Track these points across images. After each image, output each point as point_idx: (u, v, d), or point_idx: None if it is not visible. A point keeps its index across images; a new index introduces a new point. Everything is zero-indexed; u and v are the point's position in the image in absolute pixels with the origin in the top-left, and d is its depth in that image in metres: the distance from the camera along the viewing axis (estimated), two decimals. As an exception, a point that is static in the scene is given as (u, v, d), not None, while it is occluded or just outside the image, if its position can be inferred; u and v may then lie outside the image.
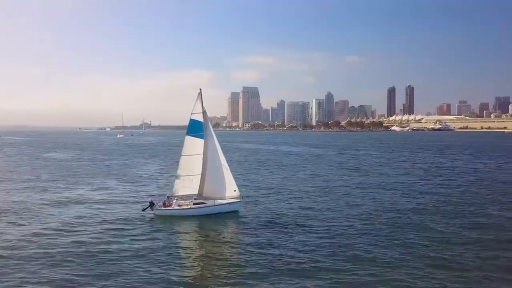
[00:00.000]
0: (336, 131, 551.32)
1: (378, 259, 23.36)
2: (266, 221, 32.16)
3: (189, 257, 24.46)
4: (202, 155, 34.15)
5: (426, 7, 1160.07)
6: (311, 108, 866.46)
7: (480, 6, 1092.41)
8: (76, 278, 20.86)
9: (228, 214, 33.87)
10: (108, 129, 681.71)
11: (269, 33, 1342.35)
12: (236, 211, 34.36)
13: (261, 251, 24.81)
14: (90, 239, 27.41)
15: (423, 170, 68.70)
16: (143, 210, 34.32)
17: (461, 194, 44.99)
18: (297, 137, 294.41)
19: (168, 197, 34.78)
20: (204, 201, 34.29)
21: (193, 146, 34.28)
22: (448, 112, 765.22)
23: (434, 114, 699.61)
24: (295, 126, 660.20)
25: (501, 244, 26.45)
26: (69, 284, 20.23)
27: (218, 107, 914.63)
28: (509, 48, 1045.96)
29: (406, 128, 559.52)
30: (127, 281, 20.53)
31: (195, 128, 34.25)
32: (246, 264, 22.69)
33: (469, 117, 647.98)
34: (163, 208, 33.87)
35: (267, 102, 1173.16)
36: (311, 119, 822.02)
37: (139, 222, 32.14)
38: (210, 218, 32.89)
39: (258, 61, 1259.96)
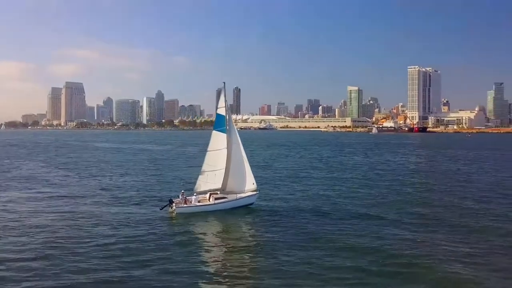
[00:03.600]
0: (170, 129, 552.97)
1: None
2: (281, 211, 33.55)
3: (219, 254, 24.38)
4: (225, 149, 33.99)
5: (249, 17, 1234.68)
6: (142, 106, 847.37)
7: (290, 19, 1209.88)
8: (96, 278, 19.90)
9: (246, 208, 34.24)
10: None
11: (97, 26, 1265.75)
12: (252, 204, 34.94)
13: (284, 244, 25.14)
14: (112, 241, 25.71)
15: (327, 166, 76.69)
16: (161, 209, 32.72)
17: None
18: (143, 136, 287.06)
19: (182, 193, 33.73)
20: (225, 196, 34.19)
21: (218, 141, 33.97)
22: (268, 113, 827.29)
23: (257, 114, 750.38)
24: (127, 125, 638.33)
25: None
26: (90, 283, 19.37)
27: (35, 104, 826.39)
28: (316, 56, 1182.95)
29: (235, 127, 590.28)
30: (155, 280, 19.96)
31: (219, 123, 34.04)
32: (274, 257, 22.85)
33: (288, 117, 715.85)
34: (184, 205, 32.86)
35: (93, 99, 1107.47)
36: (141, 118, 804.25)
37: (159, 222, 30.72)
38: (231, 213, 32.93)
39: (84, 54, 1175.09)
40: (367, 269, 21.05)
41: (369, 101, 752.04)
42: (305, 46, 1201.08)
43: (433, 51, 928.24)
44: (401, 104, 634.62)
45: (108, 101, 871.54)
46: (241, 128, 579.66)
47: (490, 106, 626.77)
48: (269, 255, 23.10)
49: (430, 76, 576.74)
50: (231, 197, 34.12)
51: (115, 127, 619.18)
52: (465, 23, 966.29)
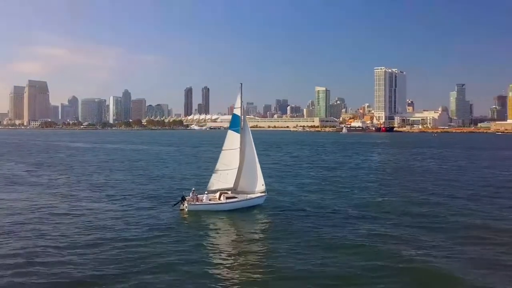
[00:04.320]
0: (138, 129, 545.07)
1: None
2: (289, 212, 33.85)
3: (231, 251, 24.34)
4: (238, 149, 34.28)
5: (218, 16, 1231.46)
6: (108, 106, 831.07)
7: (258, 19, 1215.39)
8: (107, 275, 19.89)
9: (254, 207, 34.49)
10: None
11: (64, 23, 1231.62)
12: (260, 204, 35.20)
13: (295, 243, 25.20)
14: (126, 237, 25.85)
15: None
16: (174, 205, 33.02)
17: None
18: (120, 135, 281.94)
19: (193, 191, 33.84)
20: (236, 195, 34.52)
21: (232, 140, 34.22)
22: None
23: (226, 114, 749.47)
24: (94, 125, 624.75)
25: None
26: (100, 281, 19.33)
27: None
28: (283, 56, 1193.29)
29: (204, 127, 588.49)
30: (167, 277, 19.98)
31: (235, 123, 34.34)
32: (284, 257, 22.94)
33: (258, 117, 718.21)
34: (197, 203, 33.06)
35: (57, 98, 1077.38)
36: (107, 117, 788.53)
37: (170, 219, 30.98)
38: (241, 212, 33.15)
39: (46, 52, 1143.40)
40: (375, 268, 21.21)
41: (336, 101, 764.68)
42: (273, 46, 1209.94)
43: (398, 53, 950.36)
44: (367, 104, 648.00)
45: (73, 100, 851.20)
46: (210, 128, 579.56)
47: (452, 106, 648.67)
48: (280, 254, 23.22)
49: (396, 77, 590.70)
50: (241, 197, 34.41)
51: (82, 126, 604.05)
52: (428, 25, 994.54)
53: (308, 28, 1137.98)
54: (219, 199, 34.06)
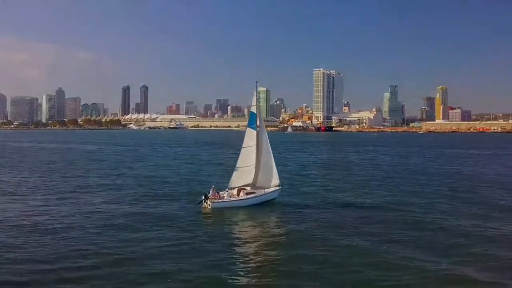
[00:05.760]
0: (74, 129, 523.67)
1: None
2: (301, 205, 35.66)
3: (259, 246, 24.86)
4: (255, 146, 35.26)
5: (154, 15, 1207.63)
6: (41, 104, 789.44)
7: (197, 18, 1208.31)
8: (128, 274, 20.01)
9: (271, 202, 35.86)
10: None
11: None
12: (274, 198, 36.59)
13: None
14: (149, 236, 26.08)
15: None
16: (198, 203, 33.63)
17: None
18: (60, 135, 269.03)
19: (213, 187, 34.53)
20: (254, 191, 35.56)
21: (250, 138, 35.22)
22: (177, 112, 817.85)
23: (164, 114, 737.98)
24: (26, 124, 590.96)
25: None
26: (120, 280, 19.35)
27: None
28: (223, 56, 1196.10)
29: (143, 127, 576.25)
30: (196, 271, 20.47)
31: (251, 120, 35.42)
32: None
33: (199, 116, 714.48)
34: (219, 200, 33.87)
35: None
36: (40, 116, 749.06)
37: (195, 216, 31.66)
38: (260, 207, 34.36)
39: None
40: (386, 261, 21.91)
41: (276, 101, 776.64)
42: (213, 46, 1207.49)
43: (334, 55, 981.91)
44: (305, 104, 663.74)
45: (1, 99, 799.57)
46: (150, 128, 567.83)
47: (386, 107, 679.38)
48: (309, 247, 24.02)
49: (333, 78, 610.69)
50: (259, 192, 35.59)
51: (12, 126, 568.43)
52: (364, 28, 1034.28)
53: (245, 28, 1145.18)
54: (237, 195, 35.13)
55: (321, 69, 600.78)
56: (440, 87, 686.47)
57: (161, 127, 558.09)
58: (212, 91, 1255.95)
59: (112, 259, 21.72)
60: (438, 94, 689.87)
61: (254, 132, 35.54)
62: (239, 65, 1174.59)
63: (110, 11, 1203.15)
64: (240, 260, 22.08)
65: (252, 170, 35.56)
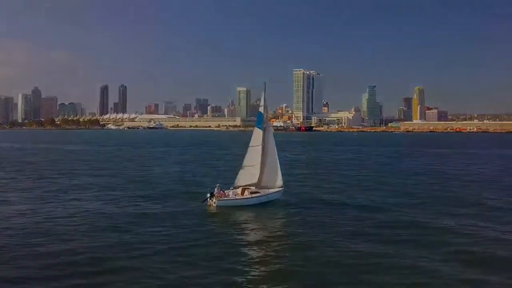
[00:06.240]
0: (51, 129, 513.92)
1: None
2: (301, 205, 35.71)
3: (266, 245, 24.91)
4: (261, 146, 35.64)
5: (133, 13, 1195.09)
6: (16, 104, 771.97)
7: (177, 17, 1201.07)
8: (135, 272, 20.11)
9: (275, 201, 36.05)
10: None
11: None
12: (278, 199, 36.81)
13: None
14: (158, 234, 26.27)
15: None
16: (203, 201, 33.92)
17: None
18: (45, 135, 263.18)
19: (218, 186, 34.74)
20: (258, 190, 35.89)
21: (257, 137, 35.57)
22: (156, 112, 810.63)
23: (143, 113, 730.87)
24: (1, 124, 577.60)
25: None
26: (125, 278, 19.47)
27: None
28: (202, 57, 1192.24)
29: (122, 127, 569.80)
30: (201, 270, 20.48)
31: (259, 120, 35.91)
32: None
33: (178, 116, 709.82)
34: (225, 198, 34.22)
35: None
36: (15, 116, 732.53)
37: (200, 214, 32.02)
38: (264, 206, 34.61)
39: None
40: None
41: (256, 101, 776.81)
42: (192, 46, 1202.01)
43: (314, 55, 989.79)
44: (285, 104, 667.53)
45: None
46: (128, 128, 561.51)
47: (364, 107, 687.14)
48: (312, 246, 24.27)
49: (313, 78, 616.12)
50: (263, 191, 35.95)
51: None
52: (343, 28, 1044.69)
53: (227, 28, 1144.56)
54: (242, 194, 35.44)
55: (301, 69, 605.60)
56: (417, 87, 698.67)
57: (140, 127, 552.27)
58: (191, 90, 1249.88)
59: (118, 258, 21.83)
60: (415, 95, 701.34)
61: (261, 132, 35.96)
62: (219, 65, 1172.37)
63: (88, 10, 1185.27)
64: (245, 260, 22.10)
65: (257, 170, 35.92)
